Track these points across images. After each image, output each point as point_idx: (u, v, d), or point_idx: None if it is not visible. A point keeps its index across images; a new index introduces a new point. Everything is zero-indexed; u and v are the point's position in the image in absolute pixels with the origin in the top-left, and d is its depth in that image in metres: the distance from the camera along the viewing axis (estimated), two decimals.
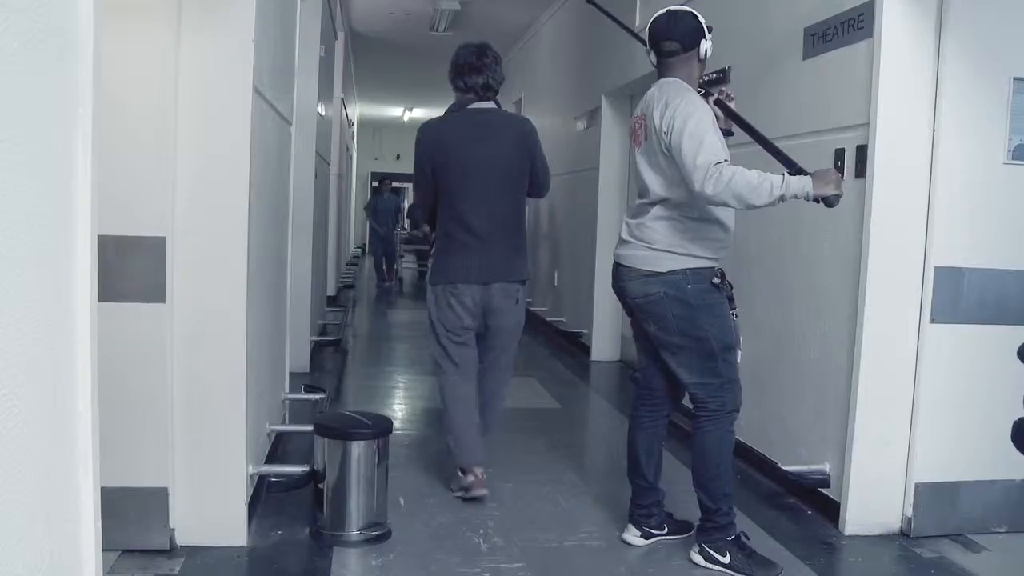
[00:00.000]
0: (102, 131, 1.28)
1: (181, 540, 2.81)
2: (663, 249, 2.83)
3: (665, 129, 2.73)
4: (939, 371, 3.17)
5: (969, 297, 3.16)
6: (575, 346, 7.28)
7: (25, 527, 1.07)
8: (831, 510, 3.31)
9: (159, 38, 2.65)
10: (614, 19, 3.88)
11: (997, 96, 3.10)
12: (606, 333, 6.87)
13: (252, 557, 2.87)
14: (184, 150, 2.71)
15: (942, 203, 3.13)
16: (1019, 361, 2.16)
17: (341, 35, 8.61)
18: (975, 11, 3.09)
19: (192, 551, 2.80)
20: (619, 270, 2.97)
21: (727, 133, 2.93)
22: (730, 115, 2.97)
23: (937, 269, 3.13)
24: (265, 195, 3.28)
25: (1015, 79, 3.10)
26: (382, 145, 20.27)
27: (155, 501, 2.76)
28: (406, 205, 18.14)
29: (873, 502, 3.22)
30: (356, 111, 16.25)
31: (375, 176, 14.46)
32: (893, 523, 3.23)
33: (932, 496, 3.20)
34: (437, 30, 9.45)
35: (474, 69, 3.44)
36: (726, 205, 2.70)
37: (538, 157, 3.53)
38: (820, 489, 3.40)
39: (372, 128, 20.04)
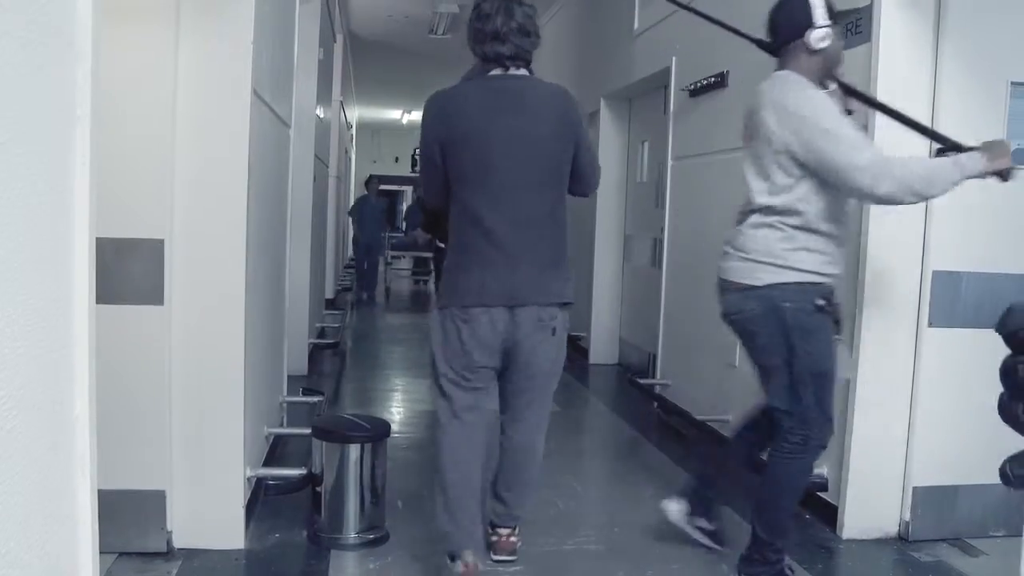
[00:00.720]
0: (101, 133, 1.28)
1: (179, 543, 2.81)
2: (760, 260, 2.56)
3: (792, 130, 2.46)
4: (937, 375, 3.18)
5: (967, 301, 3.16)
6: (573, 349, 7.28)
7: (23, 529, 1.06)
8: (829, 514, 3.31)
9: (158, 40, 2.65)
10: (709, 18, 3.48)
11: (994, 100, 3.11)
12: (605, 337, 6.88)
13: (250, 560, 2.87)
14: (183, 152, 2.71)
15: (940, 206, 3.13)
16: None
17: (340, 38, 8.62)
18: (973, 15, 3.09)
19: (190, 554, 2.80)
20: (719, 284, 2.71)
21: (847, 113, 2.66)
22: (853, 93, 2.71)
23: (935, 273, 3.14)
24: (264, 198, 3.28)
25: (1013, 83, 3.11)
26: (381, 148, 20.28)
27: (153, 503, 2.75)
28: (404, 207, 18.02)
29: (871, 506, 3.22)
30: (355, 114, 16.27)
31: (374, 179, 12.18)
32: (891, 527, 3.23)
33: (930, 500, 3.20)
34: (436, 33, 9.46)
35: (497, 38, 2.57)
36: (899, 203, 2.46)
37: (583, 141, 2.65)
38: (818, 493, 3.39)
39: (371, 131, 20.05)
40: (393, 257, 13.26)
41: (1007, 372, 1.60)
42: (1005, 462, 2.05)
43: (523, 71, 2.62)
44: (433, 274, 7.49)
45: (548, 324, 2.59)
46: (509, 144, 2.53)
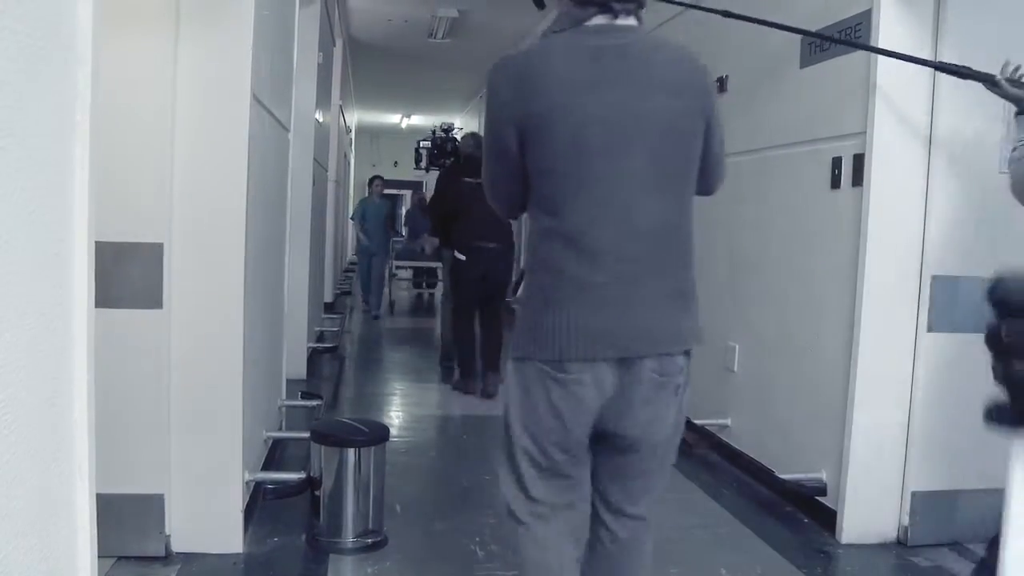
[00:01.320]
0: (100, 137, 1.28)
1: (177, 547, 2.81)
2: None
3: None
4: (936, 380, 3.18)
5: (966, 306, 3.16)
6: None
7: (21, 533, 1.06)
8: (828, 518, 3.31)
9: (158, 45, 2.65)
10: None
11: (993, 101, 3.11)
12: None
13: (248, 564, 2.86)
14: (182, 156, 2.71)
15: (939, 212, 3.14)
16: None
17: (339, 42, 8.63)
18: (971, 19, 3.10)
19: (188, 558, 2.80)
20: None
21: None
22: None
23: (934, 278, 3.14)
24: (263, 201, 3.28)
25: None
26: (380, 152, 20.31)
27: (151, 507, 2.75)
28: (403, 211, 17.87)
29: (870, 511, 3.22)
30: (354, 118, 16.27)
31: (377, 179, 10.68)
32: (890, 532, 3.23)
33: (929, 505, 3.20)
34: (435, 37, 9.48)
35: None
36: None
37: (715, 121, 1.88)
38: (817, 497, 3.39)
39: (370, 135, 20.07)
40: (397, 267, 12.05)
41: (992, 336, 1.54)
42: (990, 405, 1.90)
43: (633, 20, 1.84)
44: (445, 284, 6.50)
45: (671, 381, 1.84)
46: (619, 125, 1.76)
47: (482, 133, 1.89)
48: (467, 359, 5.86)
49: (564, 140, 1.75)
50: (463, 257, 5.64)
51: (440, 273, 11.21)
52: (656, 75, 1.81)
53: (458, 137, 7.33)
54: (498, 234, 5.51)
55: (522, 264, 1.89)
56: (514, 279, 1.60)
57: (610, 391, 1.78)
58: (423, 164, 8.57)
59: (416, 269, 12.75)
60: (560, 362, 1.76)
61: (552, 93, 1.76)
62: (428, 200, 7.90)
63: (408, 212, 14.98)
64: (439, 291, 11.69)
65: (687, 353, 1.86)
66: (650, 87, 1.79)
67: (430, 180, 15.22)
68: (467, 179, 5.55)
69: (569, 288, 1.77)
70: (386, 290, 10.66)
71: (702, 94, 1.86)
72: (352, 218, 10.92)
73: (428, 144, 8.25)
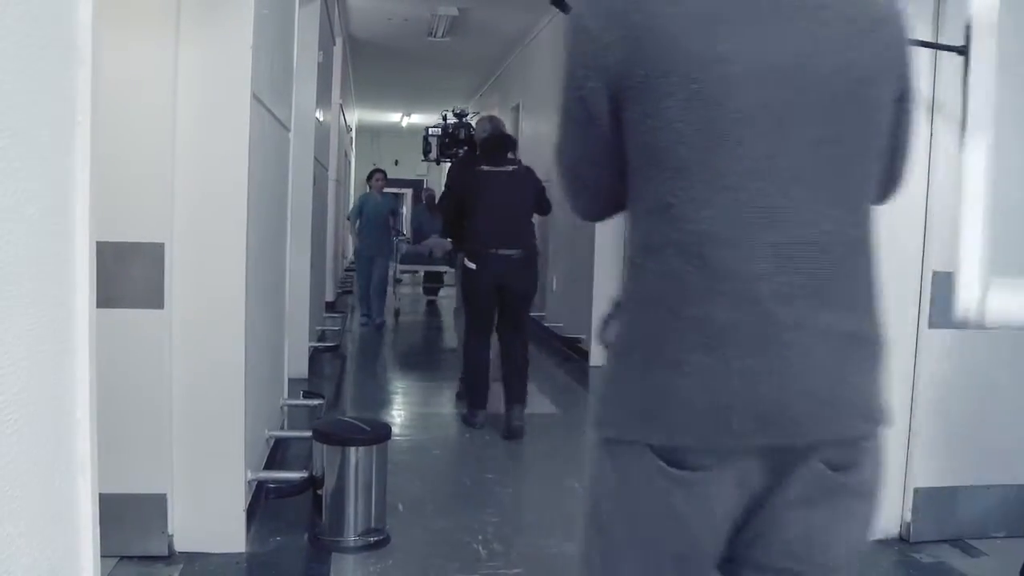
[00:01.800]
0: (101, 137, 1.28)
1: (180, 546, 2.81)
2: None
3: None
4: (937, 376, 3.18)
5: None
6: (573, 351, 7.28)
7: (24, 533, 1.06)
8: None
9: (158, 45, 2.66)
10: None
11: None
12: None
13: (251, 563, 2.87)
14: (183, 156, 2.72)
15: (940, 206, 3.14)
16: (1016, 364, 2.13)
17: (339, 41, 8.63)
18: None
19: (190, 557, 2.80)
20: None
21: None
22: None
23: (935, 274, 3.14)
24: (264, 201, 3.28)
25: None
26: (381, 151, 20.32)
27: (154, 507, 2.75)
28: (405, 211, 17.65)
29: None
30: (354, 117, 16.28)
31: (378, 173, 9.38)
32: (892, 528, 3.23)
33: (931, 501, 3.20)
34: (435, 36, 9.48)
35: None
36: None
37: (914, 99, 1.29)
38: None
39: (370, 134, 20.09)
40: (403, 272, 10.55)
41: None
42: None
43: None
44: (459, 293, 5.29)
45: (854, 480, 1.21)
46: (775, 89, 1.12)
47: (562, 90, 1.26)
48: (476, 386, 4.79)
49: (689, 109, 1.12)
50: (472, 265, 4.61)
51: (444, 278, 10.46)
52: (832, 9, 1.15)
53: (473, 123, 6.35)
54: (517, 237, 4.58)
55: (616, 296, 1.28)
56: (608, 311, 1.13)
57: (758, 493, 1.17)
58: (433, 154, 7.27)
59: (427, 273, 11.28)
60: (678, 450, 1.15)
61: (672, 35, 1.12)
62: (440, 195, 6.74)
63: (414, 210, 14.46)
64: (438, 294, 11.51)
65: (877, 433, 1.26)
66: (823, 27, 1.14)
67: (432, 177, 15.02)
68: (484, 167, 4.65)
69: (691, 333, 1.13)
70: (390, 289, 9.67)
71: (897, 43, 1.22)
72: (348, 217, 9.59)
73: (438, 131, 7.08)
